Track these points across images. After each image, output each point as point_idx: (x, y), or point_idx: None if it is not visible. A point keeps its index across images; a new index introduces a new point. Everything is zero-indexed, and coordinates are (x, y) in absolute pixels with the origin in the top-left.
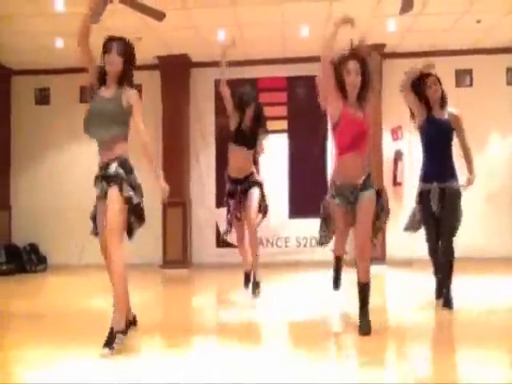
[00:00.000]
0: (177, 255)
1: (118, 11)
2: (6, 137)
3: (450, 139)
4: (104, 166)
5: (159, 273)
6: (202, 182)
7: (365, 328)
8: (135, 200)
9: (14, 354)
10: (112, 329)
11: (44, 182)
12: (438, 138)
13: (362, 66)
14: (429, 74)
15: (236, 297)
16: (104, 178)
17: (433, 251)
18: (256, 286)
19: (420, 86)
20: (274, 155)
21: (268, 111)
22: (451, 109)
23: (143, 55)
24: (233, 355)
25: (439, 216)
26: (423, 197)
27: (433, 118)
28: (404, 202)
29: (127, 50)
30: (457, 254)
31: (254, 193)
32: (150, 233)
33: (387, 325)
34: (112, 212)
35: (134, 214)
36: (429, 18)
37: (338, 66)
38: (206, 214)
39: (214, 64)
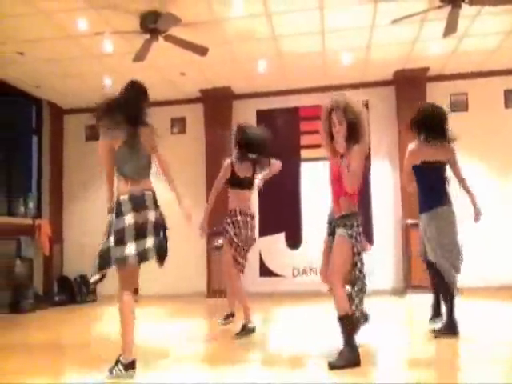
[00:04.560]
0: (221, 284)
1: (163, 48)
2: (58, 172)
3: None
4: None
5: (203, 303)
6: None
7: (332, 363)
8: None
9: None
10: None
11: (94, 216)
12: None
13: (344, 115)
14: None
15: (279, 326)
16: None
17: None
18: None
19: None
20: (317, 183)
21: (310, 139)
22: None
23: (187, 89)
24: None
25: None
26: None
27: None
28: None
29: None
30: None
31: None
32: (197, 263)
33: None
34: None
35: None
36: (473, 40)
37: (325, 121)
38: None
39: (256, 95)
